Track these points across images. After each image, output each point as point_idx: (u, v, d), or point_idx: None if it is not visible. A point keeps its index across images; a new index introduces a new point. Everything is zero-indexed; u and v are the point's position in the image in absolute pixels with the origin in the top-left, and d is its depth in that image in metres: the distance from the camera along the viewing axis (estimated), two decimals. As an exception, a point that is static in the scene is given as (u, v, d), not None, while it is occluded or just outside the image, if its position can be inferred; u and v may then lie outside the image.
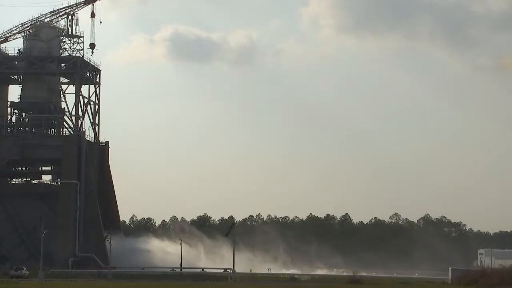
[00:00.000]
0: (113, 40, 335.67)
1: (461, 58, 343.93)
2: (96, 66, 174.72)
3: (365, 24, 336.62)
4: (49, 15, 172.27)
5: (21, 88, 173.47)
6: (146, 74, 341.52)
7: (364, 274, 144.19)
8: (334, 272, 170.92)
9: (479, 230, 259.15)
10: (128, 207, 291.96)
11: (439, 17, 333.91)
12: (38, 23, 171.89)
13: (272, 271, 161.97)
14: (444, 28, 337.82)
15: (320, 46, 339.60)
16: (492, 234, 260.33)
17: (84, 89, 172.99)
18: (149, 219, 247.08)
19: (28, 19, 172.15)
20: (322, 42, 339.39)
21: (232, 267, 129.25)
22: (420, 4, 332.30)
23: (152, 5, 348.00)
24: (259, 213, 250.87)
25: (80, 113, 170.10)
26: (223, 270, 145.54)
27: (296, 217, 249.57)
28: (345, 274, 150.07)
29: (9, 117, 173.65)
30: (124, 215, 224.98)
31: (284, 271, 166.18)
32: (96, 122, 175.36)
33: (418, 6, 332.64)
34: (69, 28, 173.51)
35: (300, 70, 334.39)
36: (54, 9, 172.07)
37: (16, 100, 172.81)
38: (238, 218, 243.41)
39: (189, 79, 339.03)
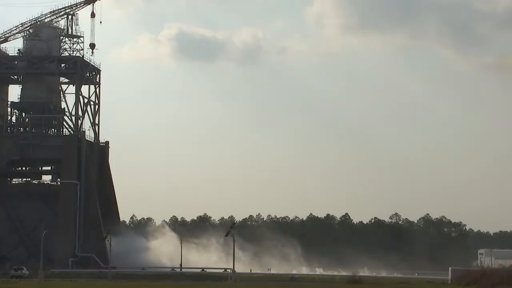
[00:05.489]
0: (118, 39, 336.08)
1: (466, 56, 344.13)
2: (96, 66, 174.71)
3: (369, 23, 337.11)
4: (49, 15, 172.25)
5: (21, 88, 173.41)
6: (151, 73, 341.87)
7: (364, 274, 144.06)
8: (334, 272, 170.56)
9: (479, 230, 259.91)
10: (128, 207, 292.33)
11: (444, 15, 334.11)
12: (38, 23, 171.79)
13: (272, 271, 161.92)
14: (449, 26, 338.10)
15: (325, 45, 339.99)
16: (492, 234, 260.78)
17: (84, 89, 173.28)
18: (149, 219, 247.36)
19: (28, 19, 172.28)
20: (327, 41, 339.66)
21: (232, 267, 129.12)
22: (425, 3, 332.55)
23: (157, 4, 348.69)
24: (259, 213, 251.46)
25: (80, 113, 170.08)
26: (223, 270, 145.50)
27: (296, 217, 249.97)
28: (345, 274, 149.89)
29: (9, 117, 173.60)
30: (124, 215, 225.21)
31: (284, 271, 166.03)
32: (96, 122, 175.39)
33: (422, 4, 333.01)
34: (69, 28, 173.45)
35: (305, 69, 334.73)
36: (54, 9, 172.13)
37: (16, 100, 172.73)
38: (238, 218, 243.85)
39: (194, 78, 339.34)
